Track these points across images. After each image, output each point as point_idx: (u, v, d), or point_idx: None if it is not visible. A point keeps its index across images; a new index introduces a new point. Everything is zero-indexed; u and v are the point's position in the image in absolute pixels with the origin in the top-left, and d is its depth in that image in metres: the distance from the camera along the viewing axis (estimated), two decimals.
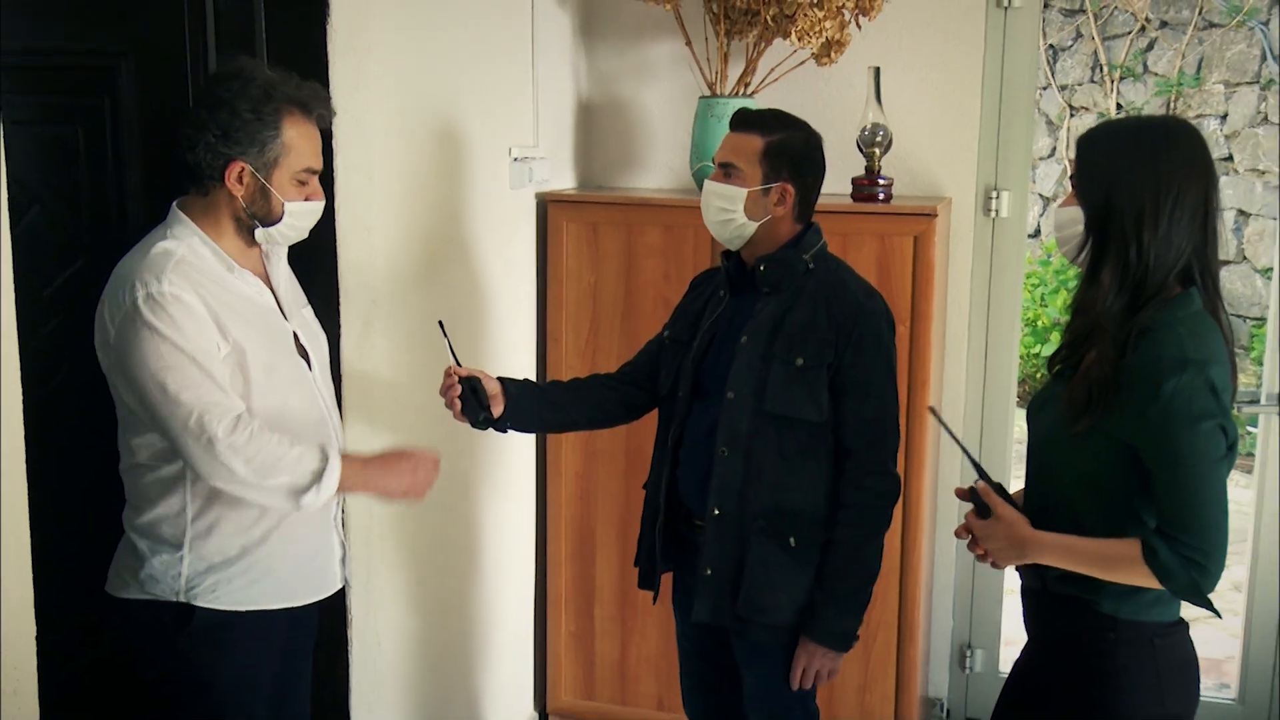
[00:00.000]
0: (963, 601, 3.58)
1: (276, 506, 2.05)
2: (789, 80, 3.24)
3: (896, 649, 3.19)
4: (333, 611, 2.54)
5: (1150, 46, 7.52)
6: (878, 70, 3.14)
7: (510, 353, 3.17)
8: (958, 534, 2.09)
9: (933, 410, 2.60)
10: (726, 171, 2.38)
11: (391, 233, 2.59)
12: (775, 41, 3.18)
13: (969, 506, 2.07)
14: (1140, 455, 1.87)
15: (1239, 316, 7.02)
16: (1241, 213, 7.11)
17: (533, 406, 2.53)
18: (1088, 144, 1.97)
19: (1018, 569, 2.12)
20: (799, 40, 3.04)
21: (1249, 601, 3.40)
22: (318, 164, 2.11)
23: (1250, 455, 3.66)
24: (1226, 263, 7.03)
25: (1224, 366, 1.87)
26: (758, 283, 2.40)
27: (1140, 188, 1.88)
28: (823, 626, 2.37)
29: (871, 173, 3.14)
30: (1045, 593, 2.04)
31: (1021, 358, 7.30)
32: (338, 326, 2.47)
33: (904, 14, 3.28)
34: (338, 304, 2.47)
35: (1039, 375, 7.33)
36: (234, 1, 2.38)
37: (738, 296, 2.46)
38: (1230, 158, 7.08)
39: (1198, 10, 7.21)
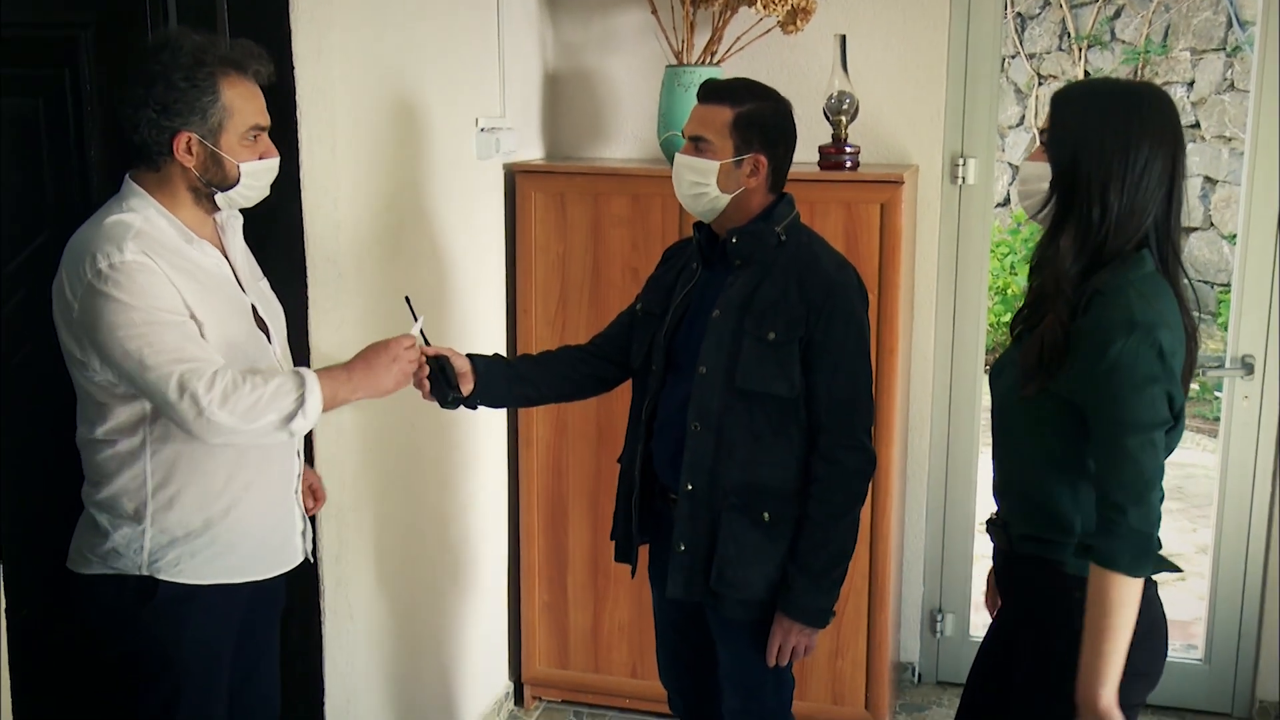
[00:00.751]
0: (933, 567, 3.61)
1: (270, 441, 2.04)
2: (755, 49, 3.24)
3: (867, 614, 3.22)
4: (304, 583, 2.55)
5: (1117, 14, 7.55)
6: (844, 38, 3.14)
7: (479, 324, 3.17)
8: None
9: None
10: (697, 145, 2.35)
11: (357, 204, 2.58)
12: (741, 10, 3.17)
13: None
14: (1084, 413, 1.89)
15: (1205, 283, 7.08)
16: (1208, 179, 7.16)
17: (502, 382, 2.52)
18: (1061, 102, 1.97)
19: (987, 529, 2.15)
20: (764, 8, 3.04)
21: (1214, 564, 3.45)
22: (264, 120, 2.09)
23: (1215, 420, 3.70)
24: (1193, 229, 7.09)
25: (1174, 331, 1.88)
26: (729, 255, 2.38)
27: (1109, 150, 1.89)
28: (798, 603, 2.36)
29: (838, 141, 3.15)
30: (1012, 553, 2.07)
31: (990, 326, 7.35)
32: (305, 298, 2.46)
33: None
34: (304, 276, 2.46)
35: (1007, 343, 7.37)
36: None
37: (710, 269, 2.44)
38: (1197, 124, 7.13)
39: None
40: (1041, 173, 1.97)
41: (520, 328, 3.30)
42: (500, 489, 3.38)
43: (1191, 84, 7.17)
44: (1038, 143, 2.02)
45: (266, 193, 2.16)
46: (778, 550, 2.39)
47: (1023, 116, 8.07)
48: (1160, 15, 7.29)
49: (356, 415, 2.64)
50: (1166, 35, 7.28)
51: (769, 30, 3.21)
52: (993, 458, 2.13)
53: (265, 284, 2.28)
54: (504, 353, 3.30)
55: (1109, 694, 1.86)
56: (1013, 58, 8.02)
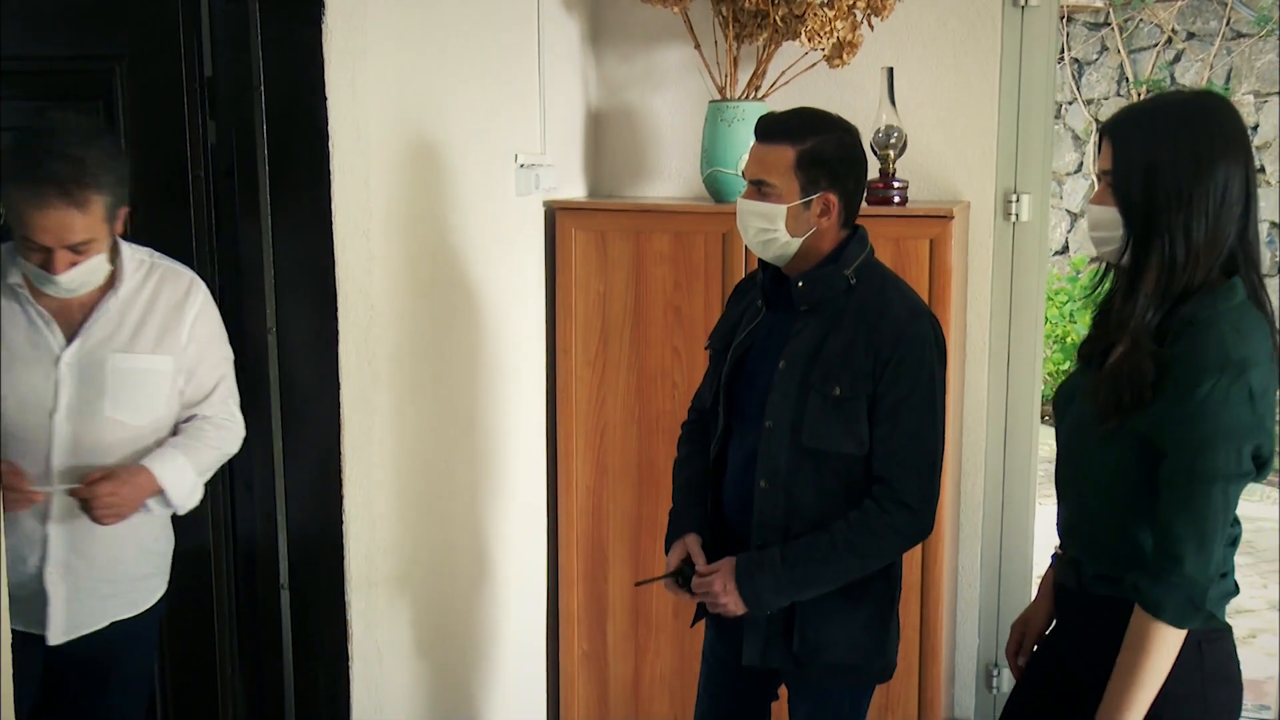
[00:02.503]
0: (988, 620, 3.47)
1: None
2: (800, 83, 3.17)
3: (919, 669, 3.08)
4: (333, 625, 2.49)
5: (1177, 59, 7.42)
6: (891, 71, 3.07)
7: (518, 362, 3.10)
8: None
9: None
10: (760, 189, 2.21)
11: (390, 238, 2.54)
12: (786, 45, 3.12)
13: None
14: (1161, 453, 1.78)
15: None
16: (1274, 224, 6.98)
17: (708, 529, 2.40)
18: (1119, 132, 1.84)
19: (1054, 565, 2.06)
20: (809, 41, 2.98)
21: None
22: (44, 239, 2.07)
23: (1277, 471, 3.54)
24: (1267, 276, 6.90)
25: (1267, 367, 1.75)
26: (795, 300, 2.24)
27: (1185, 175, 1.76)
28: (753, 576, 2.20)
29: (886, 175, 3.06)
30: (1083, 592, 1.96)
31: (1050, 375, 7.19)
32: (334, 331, 2.41)
33: (917, 14, 3.21)
34: (335, 308, 2.41)
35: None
36: (229, 3, 2.34)
37: (774, 311, 2.29)
38: (1263, 169, 6.96)
39: (1225, 21, 7.11)
40: (1112, 216, 1.84)
41: (560, 367, 3.23)
42: (539, 532, 3.30)
43: (1256, 128, 7.02)
44: (1099, 184, 1.90)
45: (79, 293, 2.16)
46: (859, 610, 2.26)
47: (1081, 163, 7.94)
48: (1221, 58, 7.15)
49: (389, 459, 2.57)
50: (1229, 79, 7.14)
51: (814, 64, 3.14)
52: (1060, 491, 2.03)
53: (144, 357, 2.23)
54: (544, 395, 3.24)
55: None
56: (1070, 104, 7.91)
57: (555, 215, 3.19)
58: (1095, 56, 7.88)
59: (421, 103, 2.64)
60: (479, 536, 2.99)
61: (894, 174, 3.06)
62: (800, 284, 2.22)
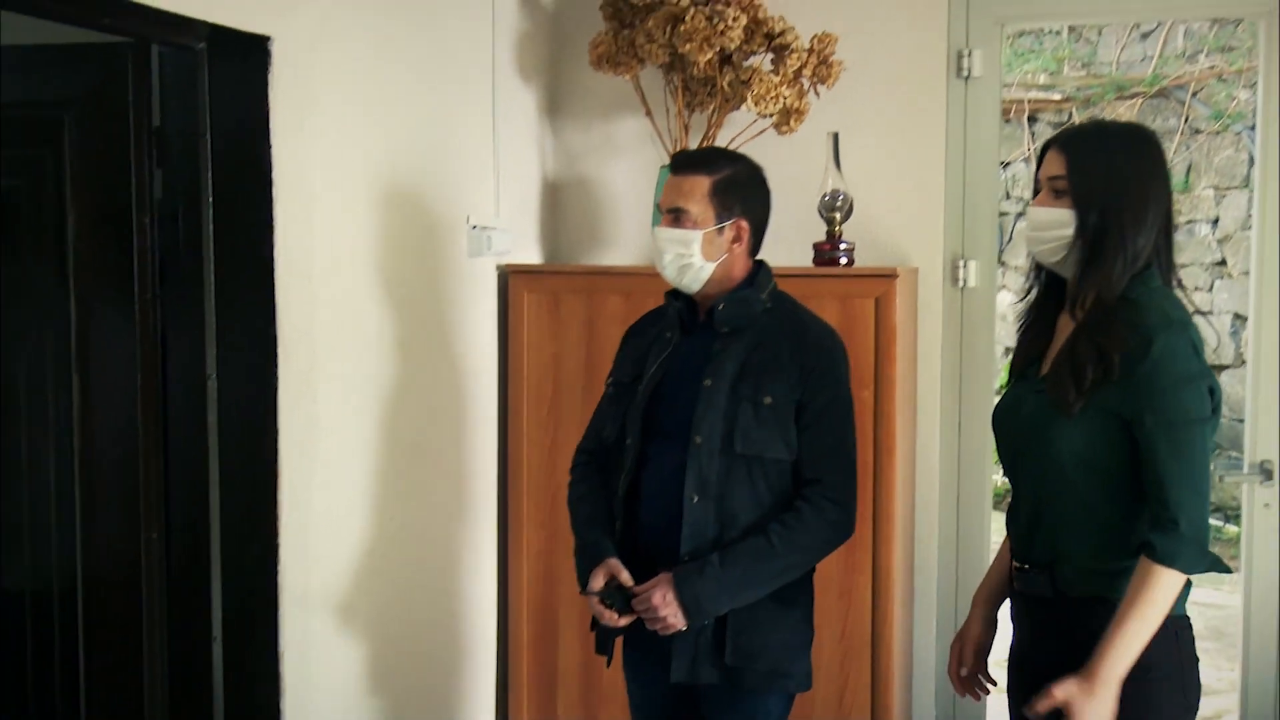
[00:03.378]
0: (945, 685, 3.41)
1: None
2: (749, 149, 3.20)
3: None
4: (264, 693, 2.44)
5: None
6: (836, 136, 3.13)
7: (469, 423, 3.10)
8: None
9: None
10: (676, 216, 2.35)
11: (335, 285, 2.56)
12: (736, 113, 3.18)
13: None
14: (1130, 422, 1.92)
15: (1237, 420, 6.90)
16: (1238, 316, 7.05)
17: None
18: (1073, 143, 2.03)
19: (1016, 576, 2.11)
20: (756, 105, 3.04)
21: (1243, 688, 3.24)
22: None
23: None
24: (1224, 366, 6.95)
25: (1195, 328, 1.98)
26: (716, 323, 2.35)
27: (1135, 184, 1.98)
28: (693, 584, 2.24)
29: (833, 237, 3.11)
30: (1060, 598, 2.02)
31: None
32: (274, 377, 2.41)
33: (864, 84, 3.28)
34: (274, 353, 2.41)
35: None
36: (177, 51, 2.39)
37: (690, 337, 2.41)
38: (1224, 262, 7.06)
39: (1184, 119, 7.28)
40: (1060, 219, 2.00)
41: (511, 429, 3.22)
42: (489, 599, 3.25)
43: (1216, 221, 7.14)
44: (1043, 189, 2.06)
45: None
46: (790, 614, 2.34)
47: None
48: (1182, 154, 7.30)
49: (331, 506, 2.56)
50: (1188, 174, 7.28)
51: (763, 131, 3.21)
52: (1018, 502, 2.11)
53: None
54: (495, 456, 3.23)
55: (1122, 674, 1.89)
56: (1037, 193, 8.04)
57: (508, 278, 3.22)
58: None
59: (371, 156, 2.68)
60: (426, 602, 2.96)
61: (840, 236, 3.11)
62: (722, 306, 2.34)
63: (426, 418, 2.91)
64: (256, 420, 2.42)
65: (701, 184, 2.32)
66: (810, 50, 3.08)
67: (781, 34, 3.02)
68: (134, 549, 2.37)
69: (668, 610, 2.25)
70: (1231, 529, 6.23)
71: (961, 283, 3.32)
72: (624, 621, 2.31)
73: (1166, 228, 2.02)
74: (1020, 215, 8.17)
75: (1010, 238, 8.17)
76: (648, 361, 2.42)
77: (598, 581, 2.33)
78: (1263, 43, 3.13)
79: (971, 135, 3.29)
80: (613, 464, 2.45)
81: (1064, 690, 1.90)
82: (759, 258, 2.43)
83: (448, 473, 3.03)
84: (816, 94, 3.16)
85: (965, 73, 3.27)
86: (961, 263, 3.31)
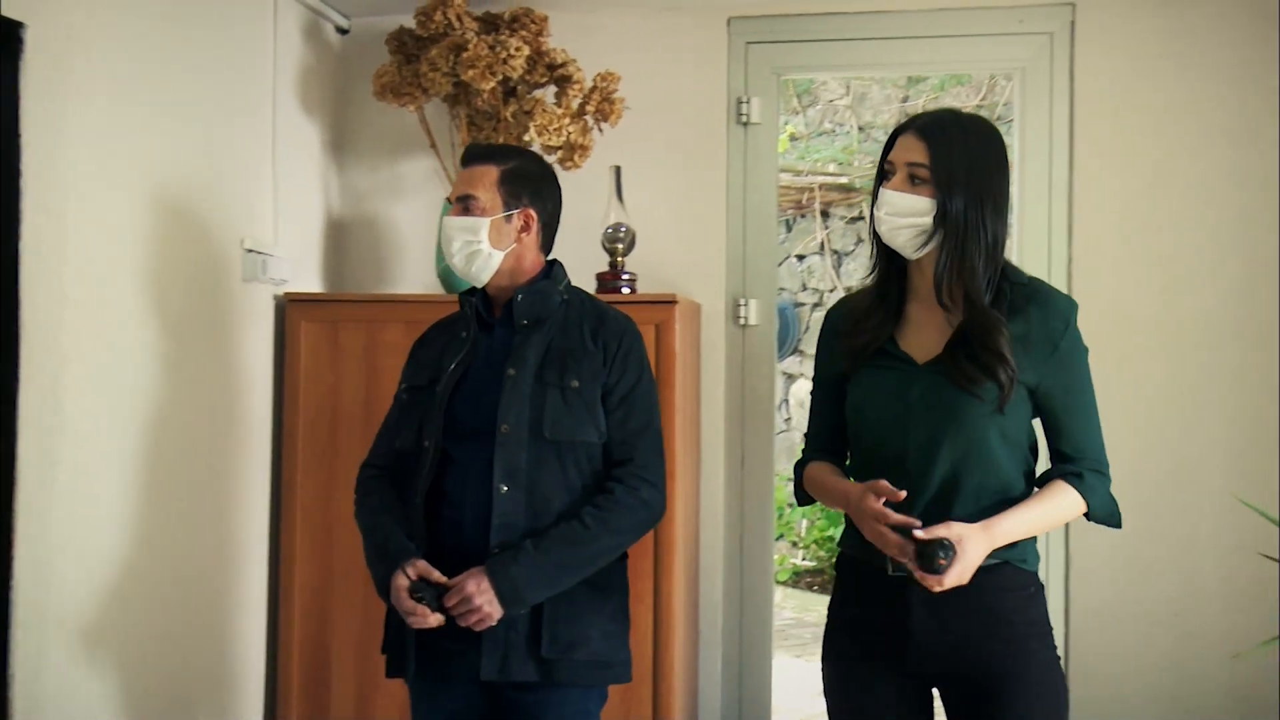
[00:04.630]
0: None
1: None
2: None
3: None
4: None
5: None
6: (618, 169, 3.19)
7: (241, 454, 2.98)
8: (931, 586, 1.98)
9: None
10: (465, 204, 2.36)
11: (88, 289, 2.44)
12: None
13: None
14: (1046, 393, 2.06)
15: None
16: None
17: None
18: (933, 129, 2.05)
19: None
20: (539, 136, 3.07)
21: None
22: None
23: None
24: None
25: None
26: (515, 315, 2.36)
27: (996, 174, 2.05)
28: (509, 572, 2.20)
29: (615, 267, 3.14)
30: (976, 571, 2.01)
31: (816, 541, 7.32)
32: (13, 377, 2.27)
33: (649, 126, 3.36)
34: (15, 353, 2.27)
35: (834, 559, 7.31)
36: None
37: (487, 334, 2.40)
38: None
39: None
40: (919, 206, 2.03)
41: (286, 460, 3.11)
42: (258, 639, 3.09)
43: None
44: (898, 173, 2.06)
45: None
46: (608, 602, 2.31)
47: None
48: None
49: (79, 521, 2.40)
50: None
51: None
52: (920, 481, 2.05)
53: None
54: (269, 487, 3.10)
55: (1005, 540, 2.01)
56: (831, 291, 8.34)
57: (286, 307, 3.14)
58: (852, 248, 8.37)
59: (142, 163, 2.59)
60: (188, 635, 2.79)
61: (623, 266, 3.14)
62: (520, 297, 2.35)
63: (193, 440, 2.78)
64: None
65: (490, 173, 2.36)
66: (594, 87, 3.14)
67: (563, 65, 3.08)
68: None
69: (483, 599, 2.18)
70: None
71: (743, 321, 3.39)
72: (435, 621, 2.21)
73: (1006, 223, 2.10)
74: (817, 305, 8.47)
75: (807, 327, 8.44)
76: (444, 363, 2.38)
77: (404, 580, 2.23)
78: (1017, 93, 3.34)
79: (751, 179, 3.40)
80: (408, 473, 2.38)
81: (961, 527, 1.97)
82: (552, 257, 2.46)
83: (216, 501, 2.89)
84: (600, 130, 3.22)
85: (744, 118, 3.39)
86: (743, 301, 3.38)
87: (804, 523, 7.55)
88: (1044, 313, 2.06)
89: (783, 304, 7.89)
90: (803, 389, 8.48)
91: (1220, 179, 3.19)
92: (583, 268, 3.25)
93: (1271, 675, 3.05)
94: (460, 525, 2.29)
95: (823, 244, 8.38)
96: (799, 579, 7.46)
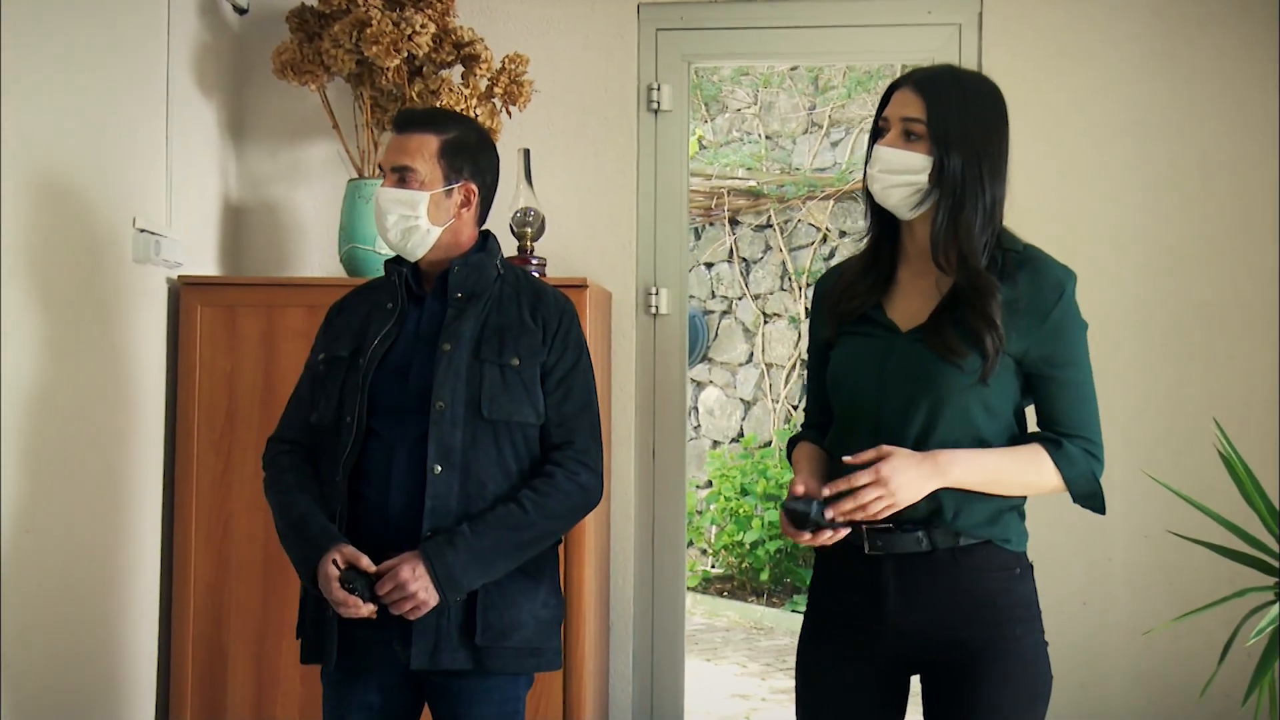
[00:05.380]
0: (641, 717, 3.33)
1: None
2: None
3: None
4: None
5: (832, 254, 8.01)
6: (527, 152, 3.13)
7: (131, 444, 2.84)
8: (817, 541, 1.89)
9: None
10: (402, 176, 2.22)
11: None
12: None
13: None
14: (1033, 364, 1.94)
15: None
16: None
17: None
18: (932, 85, 1.95)
19: (871, 538, 1.94)
20: None
21: None
22: None
23: None
24: None
25: None
26: (451, 287, 2.23)
27: (995, 134, 1.95)
28: (445, 558, 2.08)
29: (524, 252, 3.08)
30: (936, 553, 1.93)
31: (726, 548, 7.31)
32: None
33: (558, 111, 3.32)
34: None
35: (744, 564, 7.32)
36: None
37: (417, 305, 2.26)
38: None
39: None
40: (914, 163, 1.91)
41: (180, 450, 2.98)
42: (149, 634, 2.95)
43: None
44: (894, 129, 1.94)
45: None
46: (540, 586, 2.21)
47: (751, 353, 8.34)
48: None
49: None
50: None
51: None
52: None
53: None
54: (162, 479, 2.97)
55: (954, 481, 1.88)
56: (740, 299, 8.36)
57: (180, 290, 3.02)
58: (760, 255, 8.41)
59: (18, 139, 2.46)
60: (71, 634, 2.65)
61: (532, 251, 3.08)
62: (456, 269, 2.23)
63: (80, 428, 2.65)
64: None
65: (429, 143, 2.21)
66: (502, 69, 3.09)
67: (470, 44, 3.01)
68: None
69: (418, 585, 2.07)
70: None
71: (654, 310, 3.35)
72: (367, 611, 2.09)
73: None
74: (725, 313, 8.48)
75: (716, 335, 8.44)
76: (368, 334, 2.24)
77: (332, 567, 2.09)
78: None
79: (662, 166, 3.36)
80: (325, 449, 2.24)
81: (893, 449, 1.87)
82: (485, 228, 2.35)
83: (105, 493, 2.75)
84: (509, 114, 3.16)
85: (655, 106, 3.35)
86: (654, 290, 3.34)
87: (713, 529, 7.53)
88: (1036, 281, 1.94)
89: (692, 311, 7.88)
90: (711, 396, 8.49)
91: (1125, 171, 3.23)
92: None
93: (1180, 652, 3.09)
94: (385, 508, 2.16)
95: (731, 251, 8.40)
96: (709, 585, 7.42)
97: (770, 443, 7.94)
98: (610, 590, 3.28)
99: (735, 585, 7.45)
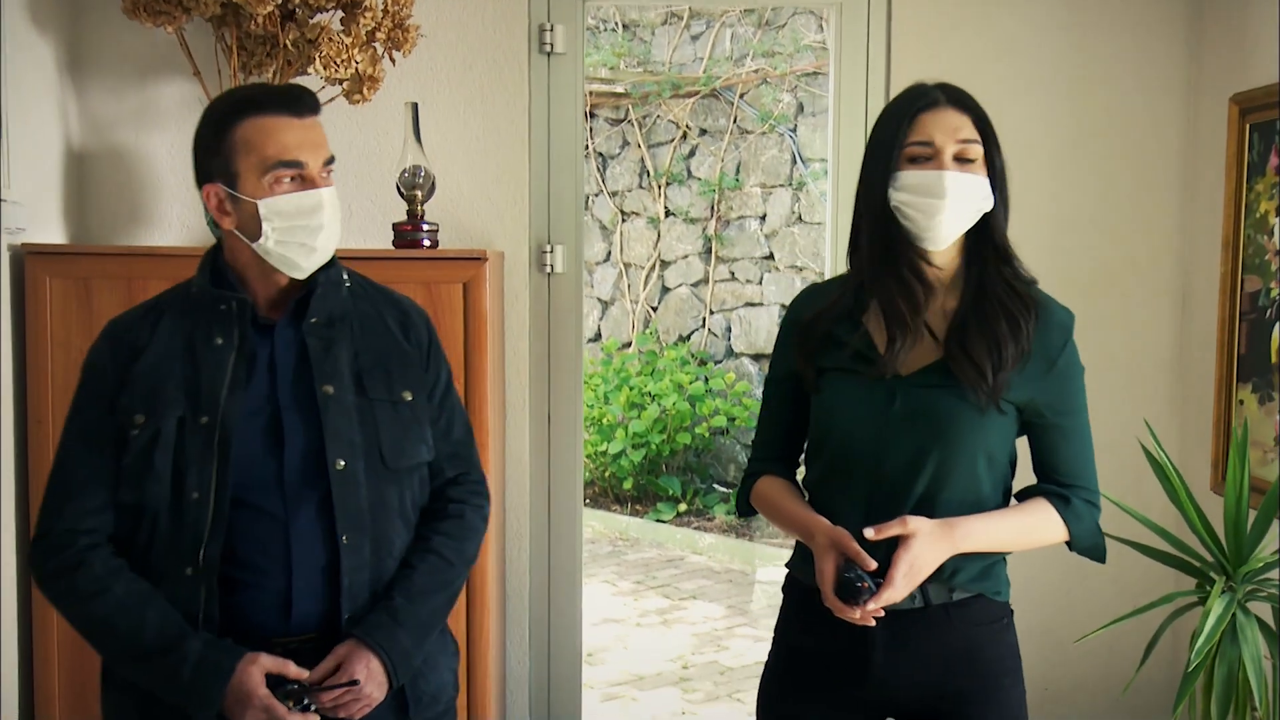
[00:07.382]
0: (539, 693, 3.25)
1: None
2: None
3: None
4: None
5: (692, 153, 7.85)
6: (415, 106, 2.87)
7: None
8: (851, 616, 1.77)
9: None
10: (330, 170, 1.91)
11: None
12: (301, 77, 2.84)
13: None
14: (1035, 412, 1.86)
15: None
16: (784, 307, 7.48)
17: None
18: (969, 101, 1.84)
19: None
20: (325, 68, 2.72)
21: None
22: None
23: None
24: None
25: None
26: (312, 311, 1.84)
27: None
28: (397, 640, 1.79)
29: (414, 217, 2.84)
30: (947, 606, 1.86)
31: (589, 456, 7.25)
32: None
33: (443, 55, 3.05)
34: None
35: (607, 474, 7.28)
36: None
37: (264, 336, 1.84)
38: (771, 255, 7.44)
39: (732, 119, 7.61)
40: (985, 187, 1.83)
41: (33, 441, 2.70)
42: (10, 646, 2.71)
43: (764, 217, 7.51)
44: (947, 152, 1.80)
45: None
46: (445, 635, 1.98)
47: (609, 252, 8.17)
48: (731, 153, 7.63)
49: None
50: (739, 171, 7.62)
51: (333, 99, 2.88)
52: (887, 507, 1.82)
53: None
54: (14, 467, 2.69)
55: (969, 548, 1.81)
56: (597, 195, 8.15)
57: (25, 260, 2.70)
58: (618, 151, 8.18)
59: None
60: None
61: (423, 216, 2.85)
62: (319, 290, 1.85)
63: None
64: None
65: (322, 130, 1.90)
66: (385, 11, 2.80)
67: None
68: None
69: (373, 684, 1.77)
70: None
71: (548, 269, 3.16)
72: None
73: None
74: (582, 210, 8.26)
75: None
76: (202, 384, 1.80)
77: (260, 687, 1.71)
78: (832, 33, 3.20)
79: (555, 113, 3.14)
80: (150, 538, 1.79)
81: (916, 523, 1.77)
82: None
83: None
84: (392, 60, 2.88)
85: (548, 48, 3.11)
86: (548, 248, 3.15)
87: None
88: (1043, 325, 1.85)
89: None
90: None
91: (1034, 124, 3.15)
92: (375, 215, 2.96)
93: (1112, 658, 3.12)
94: (274, 597, 1.78)
95: (586, 147, 8.15)
96: None
97: (630, 344, 7.85)
98: (506, 566, 3.15)
99: (597, 492, 7.42)
